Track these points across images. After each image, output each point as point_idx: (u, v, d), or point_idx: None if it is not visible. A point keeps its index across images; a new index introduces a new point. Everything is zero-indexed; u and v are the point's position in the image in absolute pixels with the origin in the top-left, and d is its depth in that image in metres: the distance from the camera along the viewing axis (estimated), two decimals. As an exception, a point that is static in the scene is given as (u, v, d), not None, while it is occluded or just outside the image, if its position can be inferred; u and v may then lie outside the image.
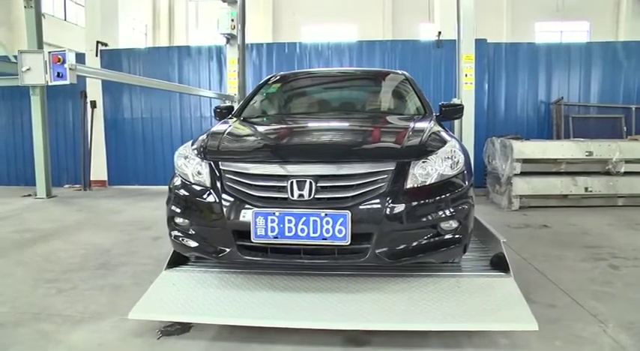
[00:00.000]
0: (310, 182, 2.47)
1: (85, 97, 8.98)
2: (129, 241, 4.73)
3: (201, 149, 2.87)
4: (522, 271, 3.54)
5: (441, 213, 2.55)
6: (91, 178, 9.15)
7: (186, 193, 2.76)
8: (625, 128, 8.49)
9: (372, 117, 3.90)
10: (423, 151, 2.69)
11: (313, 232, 2.42)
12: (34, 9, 7.63)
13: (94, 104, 9.07)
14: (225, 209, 2.55)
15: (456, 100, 6.99)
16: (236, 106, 4.54)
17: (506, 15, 22.29)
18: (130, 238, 4.87)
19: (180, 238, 2.82)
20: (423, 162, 2.61)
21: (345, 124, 3.55)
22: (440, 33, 9.05)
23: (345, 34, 21.97)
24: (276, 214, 2.44)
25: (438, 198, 2.55)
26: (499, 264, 2.92)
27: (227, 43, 7.66)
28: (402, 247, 2.52)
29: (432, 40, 9.06)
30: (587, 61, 8.76)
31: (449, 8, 8.01)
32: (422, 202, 2.52)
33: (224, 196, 2.58)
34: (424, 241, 2.56)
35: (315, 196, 2.47)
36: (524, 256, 4.02)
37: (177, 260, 3.04)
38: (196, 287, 2.74)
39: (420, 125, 3.12)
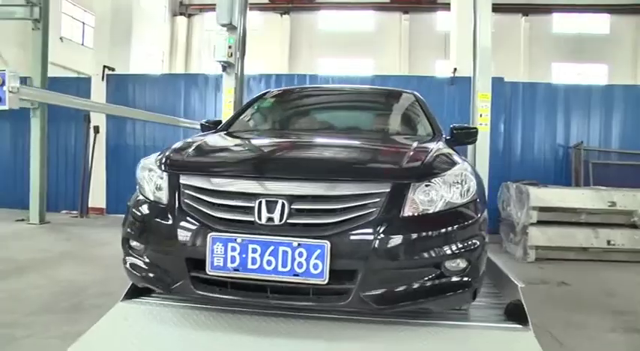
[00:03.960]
0: (282, 203, 2.04)
1: (89, 121, 8.78)
2: (110, 279, 4.33)
3: (164, 160, 2.44)
4: (538, 339, 3.08)
5: (446, 249, 2.09)
6: (89, 205, 8.88)
7: (142, 212, 2.35)
8: (648, 177, 8.03)
9: (369, 135, 3.44)
10: (427, 172, 2.24)
11: (282, 266, 1.98)
12: (41, 31, 7.60)
13: (97, 129, 8.87)
14: (179, 231, 2.13)
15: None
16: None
17: (524, 54, 22.26)
18: (112, 276, 4.45)
19: (133, 266, 2.39)
20: (426, 185, 2.17)
21: (334, 141, 3.10)
22: (455, 69, 8.81)
23: (361, 68, 22.03)
24: (238, 240, 2.01)
25: (442, 231, 2.11)
26: (515, 314, 2.43)
27: (223, 70, 7.27)
28: (394, 289, 2.06)
29: (447, 77, 8.81)
30: (609, 105, 8.38)
31: (465, 45, 7.74)
32: (422, 234, 2.08)
33: (179, 215, 2.16)
34: (423, 284, 2.09)
35: (288, 221, 2.04)
36: (540, 319, 3.55)
37: (138, 290, 2.59)
38: (151, 324, 2.31)
39: (425, 145, 2.66)
